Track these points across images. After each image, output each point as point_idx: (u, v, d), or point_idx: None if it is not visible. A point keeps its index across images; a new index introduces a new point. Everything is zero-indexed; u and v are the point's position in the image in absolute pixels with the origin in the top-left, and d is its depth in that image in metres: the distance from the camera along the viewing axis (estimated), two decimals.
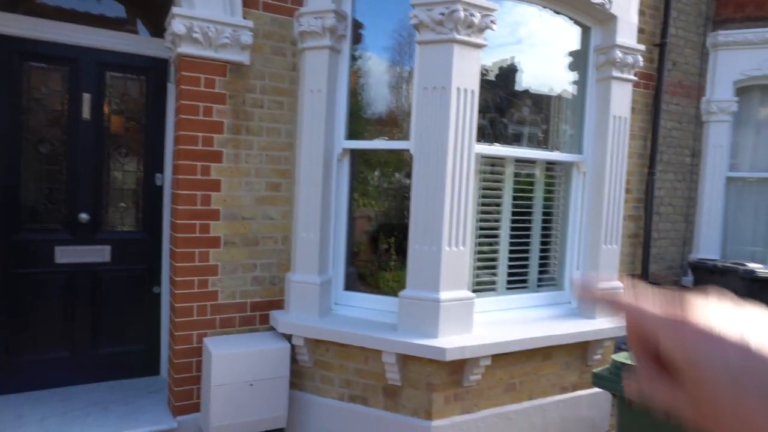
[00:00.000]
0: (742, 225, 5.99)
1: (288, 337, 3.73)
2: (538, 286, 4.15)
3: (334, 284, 3.85)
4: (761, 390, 0.36)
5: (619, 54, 3.93)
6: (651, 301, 0.44)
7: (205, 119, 3.58)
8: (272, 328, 3.88)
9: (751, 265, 5.09)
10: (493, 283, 3.93)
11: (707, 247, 5.82)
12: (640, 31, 5.05)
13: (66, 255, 4.04)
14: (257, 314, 3.88)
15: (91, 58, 4.03)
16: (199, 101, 3.56)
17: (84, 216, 4.05)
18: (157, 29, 4.10)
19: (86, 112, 4.07)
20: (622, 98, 4.05)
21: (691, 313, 0.41)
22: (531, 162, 4.06)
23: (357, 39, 3.81)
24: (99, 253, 4.14)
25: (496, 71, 4.00)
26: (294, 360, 3.77)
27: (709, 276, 5.32)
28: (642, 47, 4.08)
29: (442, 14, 3.20)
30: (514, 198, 3.97)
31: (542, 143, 4.18)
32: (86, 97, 4.06)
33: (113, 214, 4.22)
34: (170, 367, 3.77)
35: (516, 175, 3.97)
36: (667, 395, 0.43)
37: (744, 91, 5.78)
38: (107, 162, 4.17)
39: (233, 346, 3.51)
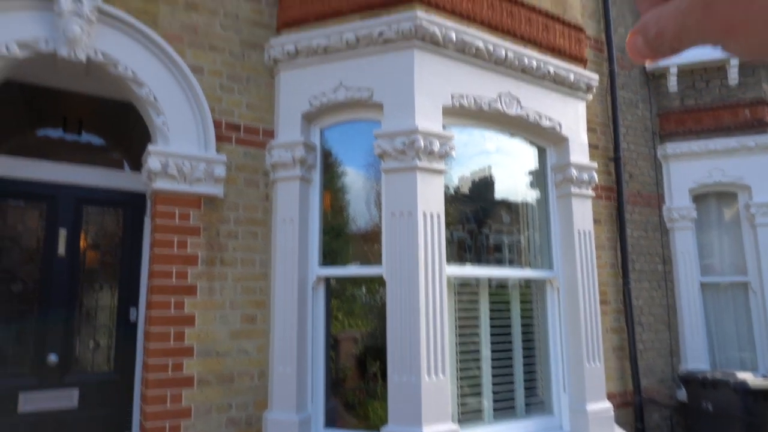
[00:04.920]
0: (726, 330, 5.96)
1: None
2: (527, 411, 3.97)
3: (314, 422, 3.64)
4: None
5: (574, 172, 4.16)
6: None
7: (179, 253, 3.61)
8: None
9: (742, 376, 4.95)
10: (479, 410, 3.76)
11: (695, 357, 5.72)
12: (594, 146, 5.42)
13: (30, 402, 3.80)
14: None
15: (70, 194, 4.13)
16: (173, 235, 3.61)
17: (53, 358, 3.88)
18: (137, 163, 4.28)
19: (62, 248, 4.08)
20: (583, 213, 4.22)
21: None
22: (504, 280, 4.10)
23: (327, 167, 4.00)
24: (66, 398, 3.91)
25: (465, 192, 4.18)
26: None
27: (702, 389, 5.16)
28: (595, 165, 4.35)
29: (404, 144, 3.42)
30: (492, 318, 3.94)
31: (513, 261, 4.26)
32: (62, 233, 4.09)
33: (84, 353, 4.06)
34: None
35: (491, 294, 3.99)
36: (672, 11, 0.35)
37: (701, 197, 6.08)
38: (81, 298, 4.10)
39: None
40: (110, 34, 3.41)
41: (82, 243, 4.17)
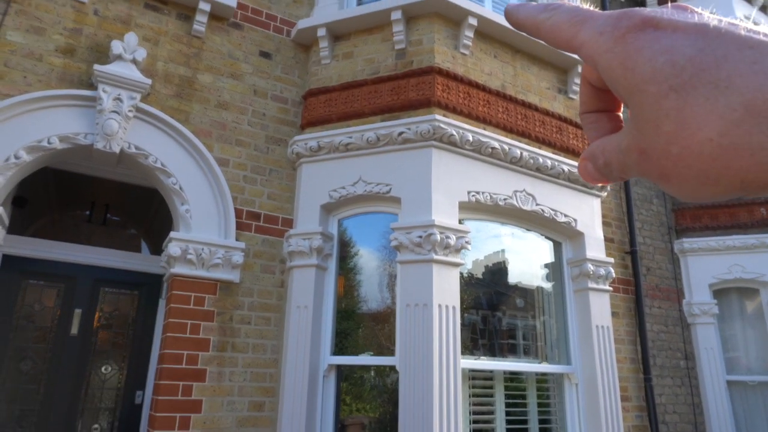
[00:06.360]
0: (759, 431, 5.62)
1: None
2: None
3: None
4: (713, 87, 0.28)
5: (590, 267, 4.15)
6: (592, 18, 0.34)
7: (191, 337, 3.60)
8: None
9: None
10: None
11: None
12: (610, 240, 5.42)
13: None
14: None
15: (89, 274, 4.20)
16: (187, 319, 3.61)
17: None
18: (157, 246, 4.36)
19: (75, 328, 4.10)
20: (601, 308, 4.16)
21: (634, 13, 0.32)
22: (520, 373, 3.99)
23: (343, 255, 4.03)
24: None
25: (479, 278, 4.16)
26: None
27: None
28: (611, 260, 4.33)
29: (420, 237, 3.46)
30: (508, 411, 3.80)
31: (530, 352, 4.16)
32: (77, 313, 4.13)
33: None
34: None
35: (507, 386, 3.87)
36: (614, 147, 0.35)
37: (722, 292, 5.95)
38: (88, 378, 4.07)
39: None
40: (144, 129, 3.61)
41: (95, 323, 4.19)
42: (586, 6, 0.36)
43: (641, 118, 0.31)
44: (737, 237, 5.78)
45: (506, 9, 0.39)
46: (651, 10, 0.32)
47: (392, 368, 3.68)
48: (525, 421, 3.90)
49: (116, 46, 3.56)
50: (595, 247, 4.27)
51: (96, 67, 3.46)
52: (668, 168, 0.31)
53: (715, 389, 5.57)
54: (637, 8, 0.33)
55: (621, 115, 0.41)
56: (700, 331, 5.74)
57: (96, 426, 4.02)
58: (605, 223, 5.17)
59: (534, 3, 0.39)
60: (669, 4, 0.33)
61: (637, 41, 0.31)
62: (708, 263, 5.86)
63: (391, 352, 3.61)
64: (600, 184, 0.39)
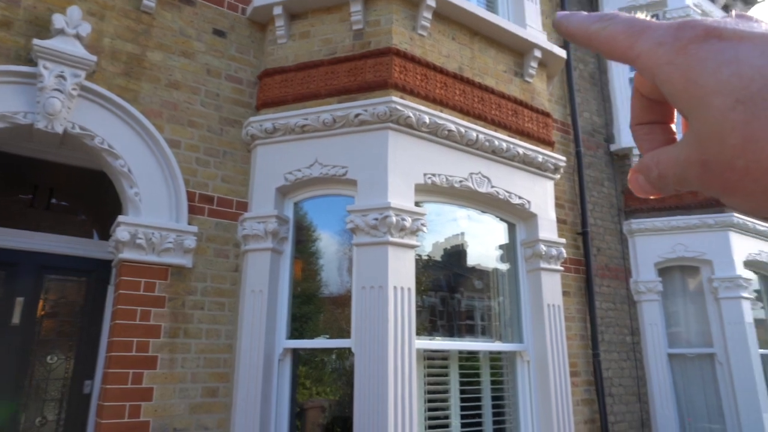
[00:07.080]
0: (695, 401, 5.98)
1: None
2: None
3: None
4: None
5: (543, 247, 4.26)
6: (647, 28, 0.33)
7: (141, 323, 3.50)
8: None
9: None
10: None
11: (666, 429, 5.70)
12: (563, 221, 5.57)
13: None
14: None
15: (32, 261, 4.02)
16: (137, 305, 3.51)
17: None
18: (107, 232, 4.20)
19: (16, 318, 3.92)
20: (552, 287, 4.28)
21: (696, 23, 0.31)
22: (475, 352, 4.08)
23: (299, 239, 4.00)
24: None
25: (436, 260, 4.21)
26: None
27: None
28: (563, 241, 4.46)
29: (376, 219, 3.46)
30: (462, 389, 3.89)
31: (484, 331, 4.26)
32: (19, 301, 3.94)
33: (29, 429, 3.83)
34: None
35: (461, 365, 3.95)
36: (671, 160, 0.34)
37: (666, 270, 6.25)
38: (32, 369, 3.91)
39: None
40: (89, 108, 3.43)
41: (39, 311, 4.02)
42: (642, 17, 0.35)
43: (704, 131, 0.31)
44: (681, 218, 6.06)
45: (556, 18, 0.39)
46: (713, 20, 0.31)
47: (351, 351, 3.70)
48: (479, 399, 4.00)
49: (58, 20, 3.35)
50: (548, 228, 4.38)
51: (35, 41, 3.26)
52: (733, 182, 0.30)
53: (657, 362, 5.87)
54: (699, 18, 0.32)
55: (674, 127, 0.40)
56: (646, 307, 6.02)
57: (40, 418, 3.87)
58: (558, 205, 5.31)
59: (585, 13, 0.38)
60: (732, 13, 0.32)
61: (700, 52, 0.30)
62: (654, 243, 6.13)
63: (348, 335, 3.62)
64: (651, 196, 0.39)
